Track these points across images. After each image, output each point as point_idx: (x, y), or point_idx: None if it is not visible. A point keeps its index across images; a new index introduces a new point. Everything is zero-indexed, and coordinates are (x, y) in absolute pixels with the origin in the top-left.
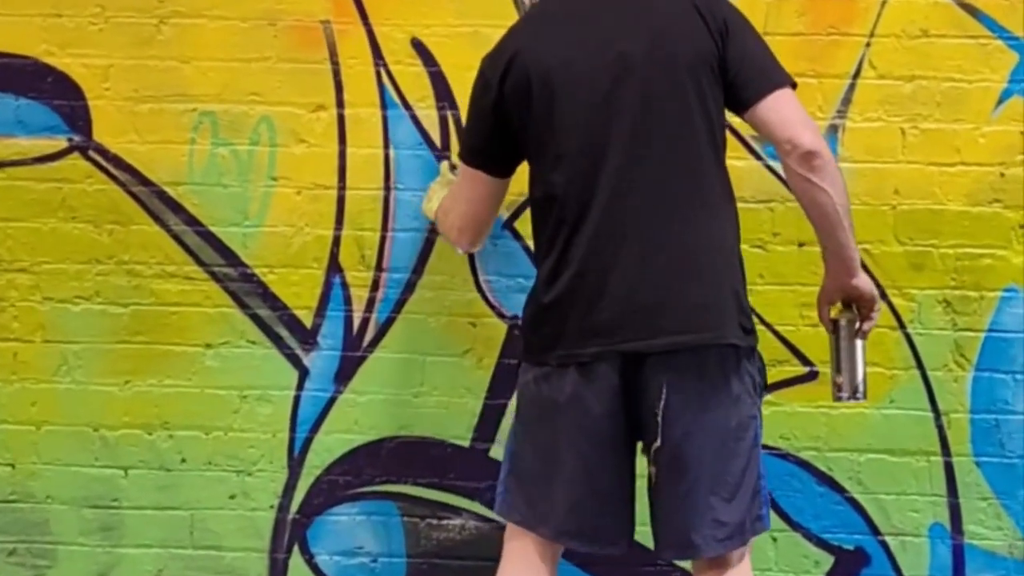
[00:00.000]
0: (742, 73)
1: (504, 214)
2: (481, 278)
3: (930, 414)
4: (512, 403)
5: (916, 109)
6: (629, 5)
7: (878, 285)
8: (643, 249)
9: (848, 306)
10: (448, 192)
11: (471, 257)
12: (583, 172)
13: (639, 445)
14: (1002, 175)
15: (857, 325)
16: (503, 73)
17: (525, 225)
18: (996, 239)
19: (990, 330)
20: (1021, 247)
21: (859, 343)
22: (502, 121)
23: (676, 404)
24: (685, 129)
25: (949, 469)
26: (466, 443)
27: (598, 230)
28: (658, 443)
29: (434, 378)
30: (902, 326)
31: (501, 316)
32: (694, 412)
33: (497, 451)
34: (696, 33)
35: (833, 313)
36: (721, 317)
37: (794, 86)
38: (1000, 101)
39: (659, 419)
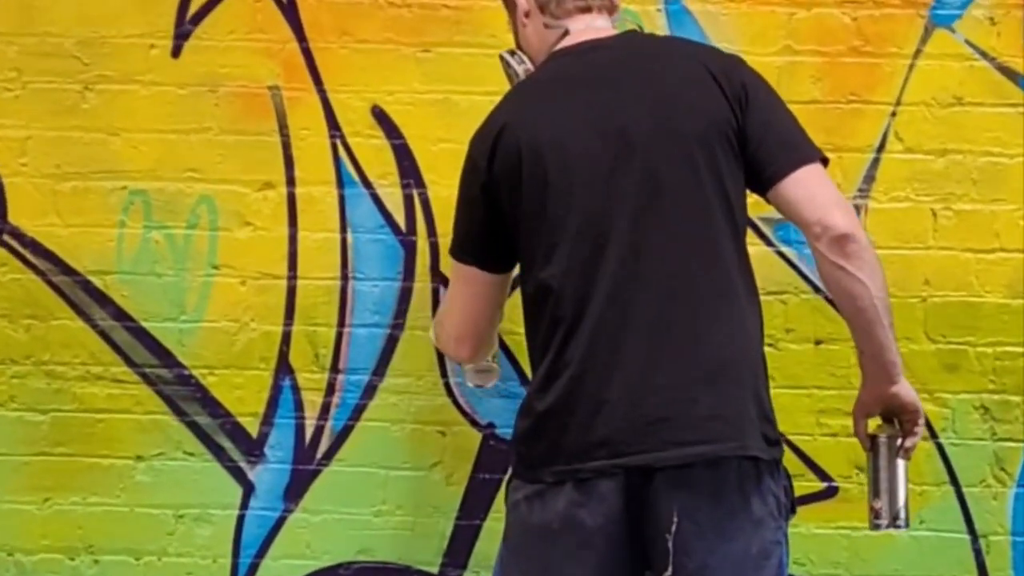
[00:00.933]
0: (764, 146)
1: None
2: (452, 380)
3: (966, 536)
4: (487, 524)
5: (949, 187)
6: (634, 73)
7: None
8: (651, 349)
9: (888, 420)
10: (442, 299)
11: (440, 357)
12: (581, 262)
13: None
14: None
15: (899, 442)
16: (491, 150)
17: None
18: None
19: None
20: None
21: (900, 463)
22: (494, 207)
23: (690, 529)
24: (697, 211)
25: None
26: (435, 569)
27: (598, 328)
28: (669, 573)
29: (398, 495)
30: (934, 435)
31: (475, 424)
32: (711, 539)
33: None
34: (710, 101)
35: (871, 428)
36: (741, 425)
37: (825, 162)
38: None
39: (670, 546)
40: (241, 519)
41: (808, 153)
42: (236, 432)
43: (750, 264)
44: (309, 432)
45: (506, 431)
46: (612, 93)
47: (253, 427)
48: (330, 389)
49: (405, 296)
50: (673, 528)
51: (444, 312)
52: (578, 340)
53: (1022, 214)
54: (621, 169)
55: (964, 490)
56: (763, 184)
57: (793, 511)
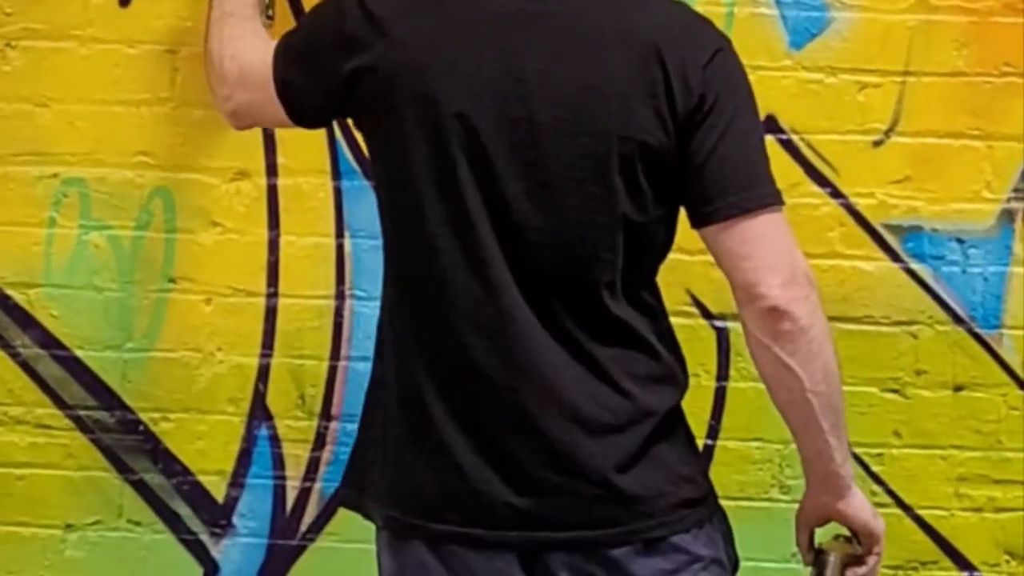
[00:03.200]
0: (702, 177)
1: None
2: None
3: None
4: None
5: None
6: (554, 16)
7: None
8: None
9: (850, 536)
10: (236, 49)
11: None
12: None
13: None
14: None
15: (850, 570)
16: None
17: None
18: None
19: None
20: None
21: None
22: (336, 81)
23: None
24: (595, 237)
25: None
26: None
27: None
28: None
29: None
30: None
31: None
32: None
33: None
34: (645, 100)
35: (821, 539)
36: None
37: (781, 205)
38: None
39: None
40: None
41: (759, 196)
42: (197, 495)
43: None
44: (291, 497)
45: None
46: (518, 40)
47: (219, 489)
48: (319, 441)
49: None
50: None
51: (234, 79)
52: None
53: None
54: (502, 150)
55: None
56: (694, 221)
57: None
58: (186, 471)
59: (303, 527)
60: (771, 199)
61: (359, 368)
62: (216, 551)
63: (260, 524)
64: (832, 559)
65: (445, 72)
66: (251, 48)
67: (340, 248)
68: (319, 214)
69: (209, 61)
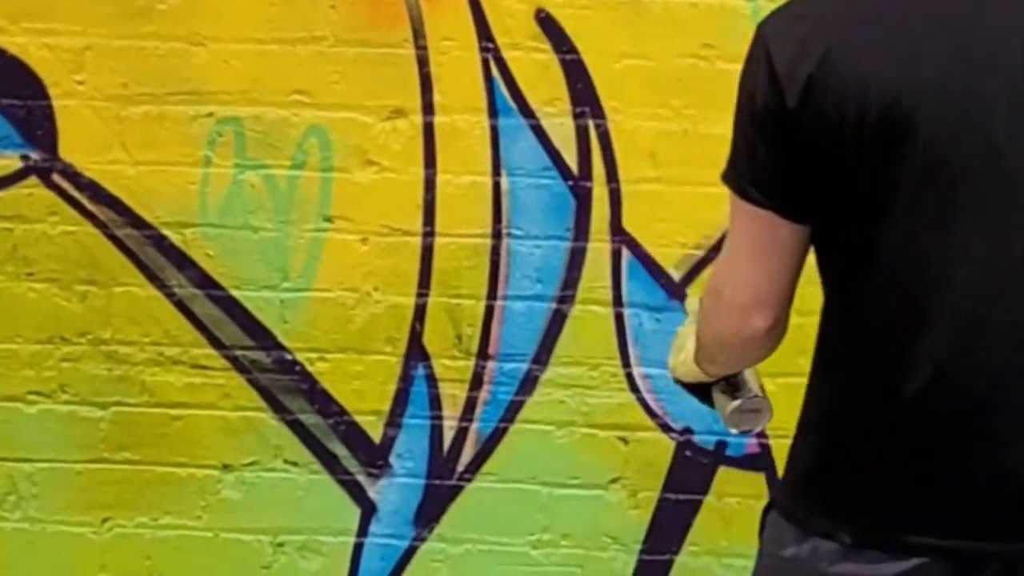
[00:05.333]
0: None
1: (674, 274)
2: (636, 371)
3: None
4: (680, 560)
5: None
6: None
7: None
8: None
9: None
10: (714, 264)
11: (622, 341)
12: (926, 254)
13: None
14: None
15: None
16: (805, 85)
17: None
18: None
19: None
20: None
21: None
22: (802, 144)
23: None
24: None
25: None
26: None
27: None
28: None
29: (564, 520)
30: None
31: (667, 429)
32: None
33: None
34: None
35: None
36: None
37: None
38: None
39: None
40: (359, 549)
41: None
42: (353, 436)
43: None
44: (448, 437)
45: (707, 439)
46: (980, 27)
47: (376, 430)
48: (476, 381)
49: (576, 260)
50: None
51: (720, 276)
52: (922, 352)
53: None
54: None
55: None
56: None
57: None
58: (343, 411)
59: (460, 467)
60: None
61: (516, 307)
62: (373, 491)
63: (417, 464)
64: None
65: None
66: (743, 279)
67: (496, 186)
68: (475, 152)
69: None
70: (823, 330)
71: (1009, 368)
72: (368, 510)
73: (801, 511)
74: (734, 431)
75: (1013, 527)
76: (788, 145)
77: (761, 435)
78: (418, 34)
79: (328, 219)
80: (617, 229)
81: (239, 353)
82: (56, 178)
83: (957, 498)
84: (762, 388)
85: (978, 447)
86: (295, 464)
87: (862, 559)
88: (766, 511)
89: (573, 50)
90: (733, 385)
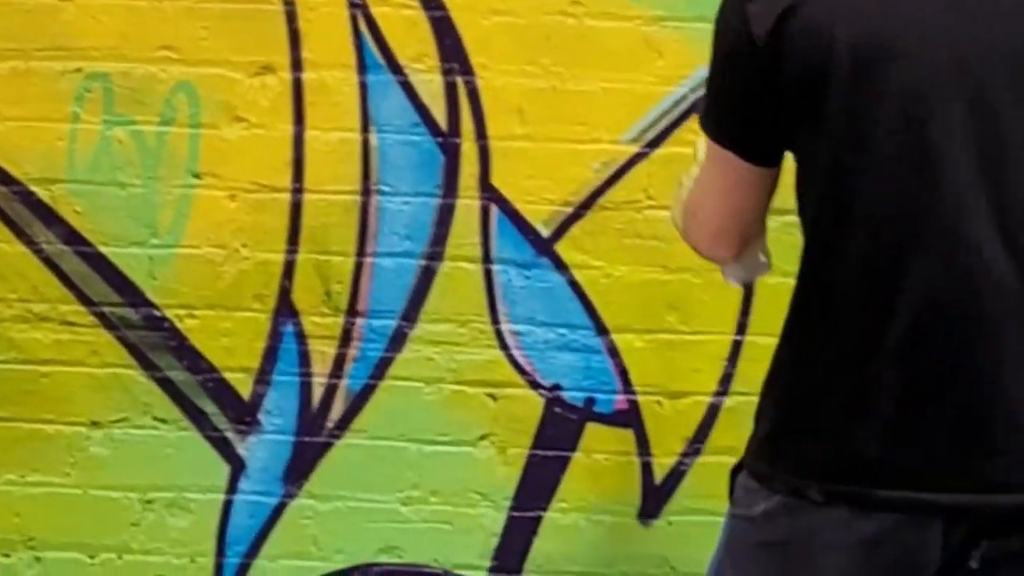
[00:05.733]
0: None
1: (543, 230)
2: (505, 328)
3: None
4: (549, 517)
5: None
6: None
7: None
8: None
9: None
10: (692, 182)
11: (491, 297)
12: (901, 205)
13: None
14: None
15: None
16: (775, 27)
17: (571, 251)
18: None
19: None
20: None
21: None
22: (770, 92)
23: None
24: None
25: None
26: (480, 575)
27: (929, 300)
28: None
29: (433, 477)
30: None
31: (536, 386)
32: None
33: None
34: None
35: None
36: None
37: None
38: None
39: None
40: (228, 506)
41: None
42: (223, 393)
43: None
44: (318, 394)
45: (576, 395)
46: None
47: (245, 386)
48: (346, 338)
49: (445, 216)
50: None
51: (696, 198)
52: (898, 311)
53: None
54: (964, 109)
55: None
56: None
57: None
58: (212, 368)
59: (329, 424)
60: None
61: (385, 264)
62: (242, 448)
63: (286, 421)
64: None
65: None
66: (711, 209)
67: (365, 143)
68: (344, 109)
69: (679, 226)
70: (799, 284)
71: (984, 320)
72: (237, 467)
73: (770, 469)
74: (732, 282)
75: (984, 479)
76: (760, 87)
77: (629, 392)
78: None
79: (196, 175)
80: (486, 186)
81: (107, 310)
82: None
83: (928, 452)
84: (764, 248)
85: (951, 400)
86: (164, 421)
87: (833, 516)
88: (735, 472)
89: (441, 7)
90: None
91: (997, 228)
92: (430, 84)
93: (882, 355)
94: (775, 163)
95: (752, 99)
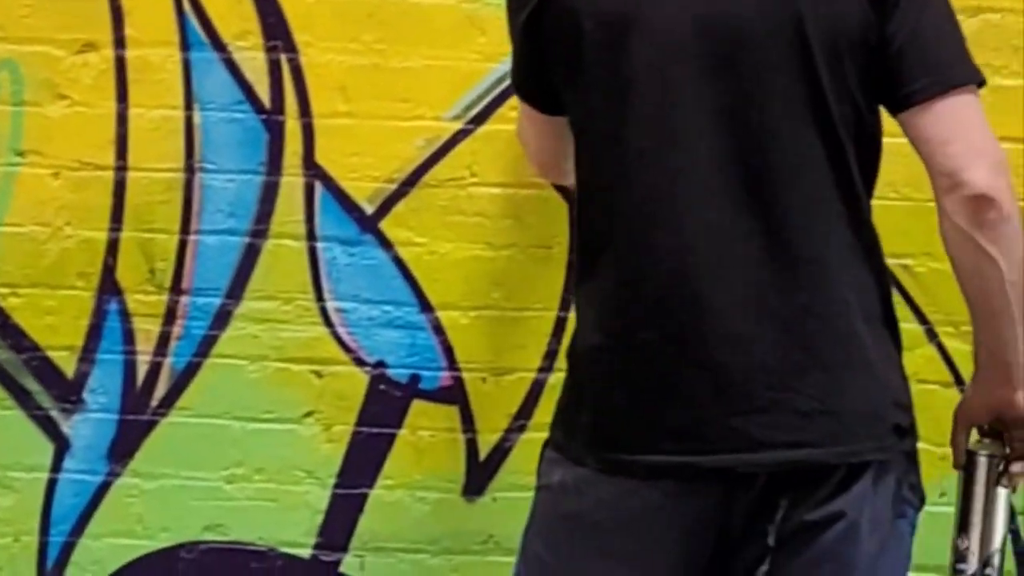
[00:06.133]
0: (905, 57)
1: (367, 207)
2: (330, 305)
3: None
4: (375, 494)
5: (983, 57)
6: None
7: (923, 320)
8: (748, 302)
9: (996, 435)
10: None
11: (316, 275)
12: (646, 167)
13: None
14: None
15: (1003, 467)
16: (537, 4)
17: (396, 228)
18: None
19: None
20: None
21: (1002, 493)
22: (538, 54)
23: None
24: (808, 137)
25: None
26: (305, 552)
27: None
28: None
29: (258, 455)
30: (959, 382)
31: (360, 363)
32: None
33: (351, 565)
34: None
35: (971, 442)
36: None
37: (981, 85)
38: None
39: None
40: (52, 485)
41: (961, 75)
42: (46, 371)
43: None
44: (142, 372)
45: (401, 372)
46: None
47: (69, 365)
48: (170, 316)
49: (269, 194)
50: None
51: (520, 136)
52: (645, 275)
53: None
54: (711, 73)
55: None
56: (894, 106)
57: None
58: (35, 347)
59: (154, 402)
60: (976, 76)
61: (209, 242)
62: (66, 427)
63: (110, 399)
64: (985, 459)
65: None
66: (532, 148)
67: (189, 120)
68: (167, 86)
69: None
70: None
71: (734, 285)
72: (61, 446)
73: (561, 439)
74: None
75: (748, 439)
76: (532, 54)
77: (453, 369)
78: None
79: (20, 153)
80: (310, 163)
81: None
82: None
83: (690, 415)
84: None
85: (705, 362)
86: None
87: (616, 483)
88: (544, 445)
89: None
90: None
91: (746, 192)
92: (253, 62)
93: (636, 320)
94: (559, 112)
95: (529, 63)
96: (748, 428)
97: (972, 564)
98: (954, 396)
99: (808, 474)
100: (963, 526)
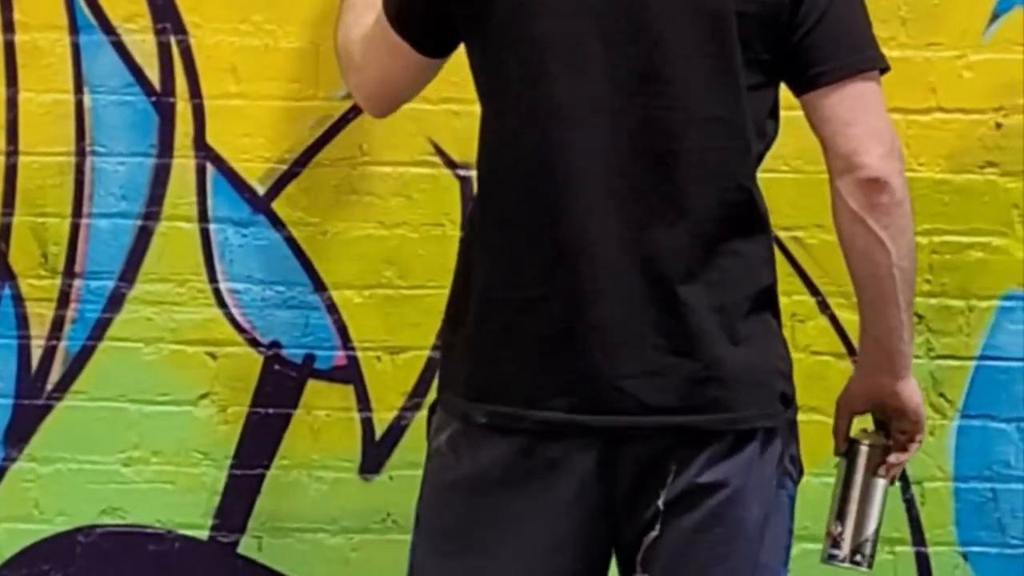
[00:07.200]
0: (815, 37)
1: (259, 188)
2: (223, 287)
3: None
4: (272, 475)
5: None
6: None
7: (815, 291)
8: (634, 271)
9: (880, 425)
10: (360, 29)
11: (208, 256)
12: (554, 127)
13: None
14: (998, 126)
15: (885, 456)
16: None
17: (288, 208)
18: (990, 221)
19: (983, 357)
20: None
21: (880, 483)
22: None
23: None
24: (714, 109)
25: (923, 563)
26: (203, 534)
27: (564, 222)
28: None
29: (154, 438)
30: (851, 352)
31: (255, 344)
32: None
33: (249, 546)
34: None
35: (853, 431)
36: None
37: (887, 70)
38: (996, 16)
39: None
40: None
41: (868, 60)
42: None
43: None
44: (36, 356)
45: (295, 352)
46: None
47: None
48: (63, 299)
49: (161, 176)
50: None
51: (359, 55)
52: (540, 235)
53: (966, 63)
54: (623, 41)
55: None
56: (798, 86)
57: None
58: None
59: (49, 387)
60: (881, 62)
61: (101, 225)
62: None
63: (5, 384)
64: (866, 448)
65: None
66: (371, 76)
67: (79, 104)
68: (57, 70)
69: (340, 59)
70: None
71: (611, 253)
72: None
73: (447, 395)
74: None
75: (626, 401)
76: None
77: (348, 348)
78: None
79: None
80: (201, 145)
81: None
82: None
83: (572, 375)
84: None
85: (586, 328)
86: None
87: (505, 443)
88: (431, 411)
89: None
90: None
91: (649, 160)
92: (143, 44)
93: (534, 277)
94: (444, 56)
95: (427, 4)
96: (637, 391)
97: (844, 550)
98: (848, 368)
99: (696, 439)
100: (839, 513)
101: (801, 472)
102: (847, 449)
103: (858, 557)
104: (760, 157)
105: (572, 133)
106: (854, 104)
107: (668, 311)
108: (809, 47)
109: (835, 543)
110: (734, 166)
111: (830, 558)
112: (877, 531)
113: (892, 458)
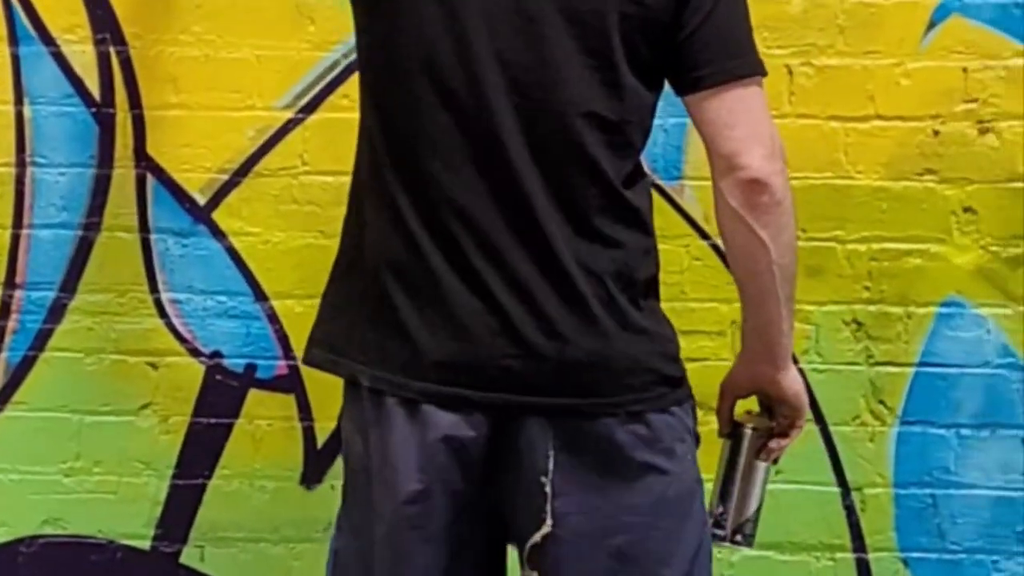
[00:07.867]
0: (699, 41)
1: (199, 198)
2: (164, 297)
3: (835, 489)
4: (213, 484)
5: (809, 37)
6: None
7: None
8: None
9: (765, 409)
10: None
11: (149, 266)
12: (444, 105)
13: None
14: (936, 133)
15: (766, 441)
16: None
17: (229, 218)
18: (928, 228)
19: (922, 363)
20: (966, 239)
21: (761, 466)
22: None
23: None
24: (595, 105)
25: (864, 569)
26: (145, 544)
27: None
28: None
29: (95, 448)
30: (793, 360)
31: (196, 354)
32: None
33: (192, 555)
34: None
35: (737, 413)
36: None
37: (765, 76)
38: (932, 24)
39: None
40: None
41: (749, 66)
42: None
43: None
44: None
45: (237, 362)
46: None
47: None
48: (4, 310)
49: (101, 186)
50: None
51: None
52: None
53: (903, 70)
54: (511, 32)
55: (832, 429)
56: (681, 87)
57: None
58: None
59: None
60: (761, 68)
61: (42, 235)
62: None
63: None
64: (749, 431)
65: None
66: None
67: (19, 115)
68: None
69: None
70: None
71: (501, 231)
72: None
73: (329, 354)
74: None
75: (511, 379)
76: None
77: (289, 357)
78: None
79: None
80: (141, 155)
81: None
82: None
83: (458, 350)
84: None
85: (477, 302)
86: None
87: (392, 416)
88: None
89: None
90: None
91: (535, 151)
92: (83, 55)
93: (429, 250)
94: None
95: None
96: (522, 370)
97: (726, 530)
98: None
99: (581, 421)
100: (722, 494)
101: (698, 443)
102: (731, 431)
103: (739, 537)
104: (639, 151)
105: (458, 123)
106: (734, 107)
107: (557, 296)
108: (691, 50)
109: (717, 523)
110: (617, 160)
111: (713, 537)
112: (758, 511)
113: (773, 443)
